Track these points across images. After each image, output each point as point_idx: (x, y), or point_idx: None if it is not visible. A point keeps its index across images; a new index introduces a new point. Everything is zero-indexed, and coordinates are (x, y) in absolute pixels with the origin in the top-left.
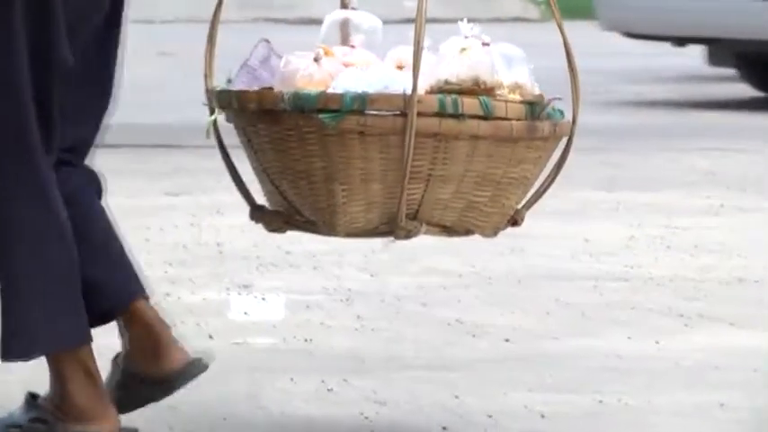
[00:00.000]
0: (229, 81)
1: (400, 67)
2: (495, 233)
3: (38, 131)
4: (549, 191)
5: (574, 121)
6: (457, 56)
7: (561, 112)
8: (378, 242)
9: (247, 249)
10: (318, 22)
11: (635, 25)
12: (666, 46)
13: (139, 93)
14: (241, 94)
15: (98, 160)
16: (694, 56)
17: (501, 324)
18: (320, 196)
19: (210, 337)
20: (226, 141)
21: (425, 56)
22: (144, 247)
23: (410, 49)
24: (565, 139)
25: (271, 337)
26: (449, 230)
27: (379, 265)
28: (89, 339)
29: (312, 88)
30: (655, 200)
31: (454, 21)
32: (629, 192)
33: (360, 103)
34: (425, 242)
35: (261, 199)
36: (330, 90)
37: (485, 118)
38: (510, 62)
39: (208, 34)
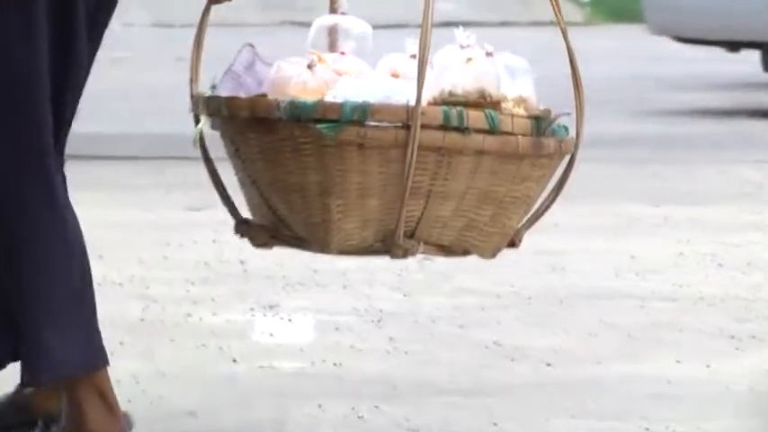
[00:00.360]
0: (214, 87)
1: (395, 76)
2: (493, 255)
3: (51, 134)
4: (589, 204)
5: (578, 137)
6: (462, 66)
7: (566, 129)
8: (411, 260)
9: (273, 267)
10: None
11: (686, 29)
12: (719, 51)
13: (155, 100)
14: (232, 101)
15: (111, 172)
16: (749, 61)
17: (541, 347)
18: (314, 211)
19: (234, 360)
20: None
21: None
22: (163, 265)
23: (403, 57)
24: (567, 157)
25: (298, 360)
26: (446, 250)
27: (413, 284)
28: (106, 361)
29: (307, 96)
30: (704, 214)
31: (491, 24)
32: (676, 206)
33: (360, 114)
34: (461, 261)
35: (246, 212)
36: (329, 99)
37: (490, 132)
38: (514, 74)
39: (194, 38)
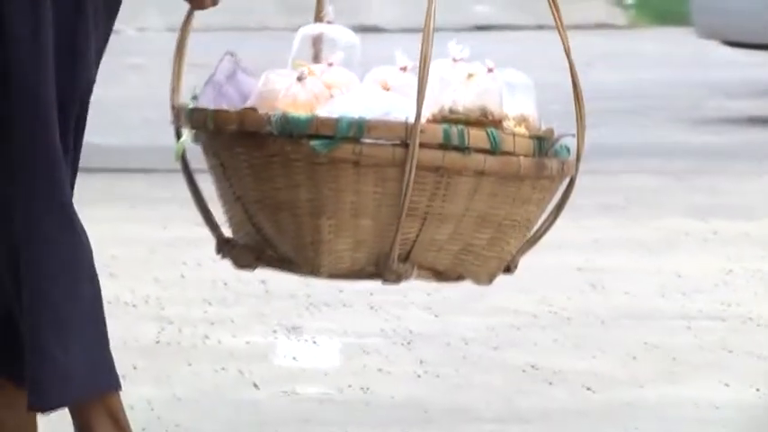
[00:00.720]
0: (195, 98)
1: (386, 89)
2: (490, 280)
3: (60, 147)
4: (633, 218)
5: (578, 159)
6: (463, 82)
7: (568, 149)
8: None
9: (296, 287)
10: (377, 30)
11: (735, 32)
12: None
13: (168, 110)
14: (219, 114)
15: (123, 185)
16: None
17: (581, 370)
18: (304, 231)
19: (255, 385)
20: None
21: (411, 79)
22: (179, 284)
23: (393, 70)
24: (567, 179)
25: (323, 385)
26: (441, 276)
27: (444, 303)
28: (118, 385)
29: (297, 111)
30: (755, 229)
31: (527, 28)
32: (725, 220)
33: (356, 130)
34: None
35: (227, 232)
36: (323, 113)
37: (491, 152)
38: (515, 91)
39: (176, 45)
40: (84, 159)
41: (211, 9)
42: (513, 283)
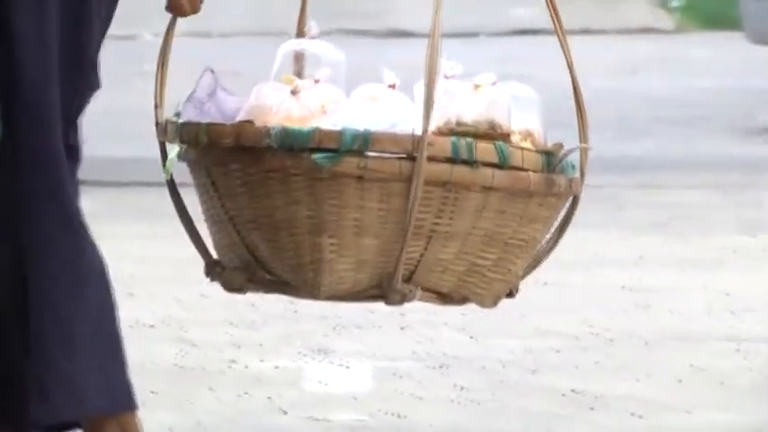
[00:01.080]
0: (178, 114)
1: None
2: (494, 303)
3: (64, 150)
4: (679, 234)
5: (582, 176)
6: (470, 94)
7: (573, 166)
8: None
9: (325, 307)
10: (408, 34)
11: None
12: None
13: None
14: (214, 128)
15: (142, 200)
16: None
17: (624, 394)
18: (303, 250)
19: (283, 411)
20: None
21: (400, 97)
22: (201, 304)
23: (381, 87)
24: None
25: (353, 410)
26: (444, 298)
27: (480, 324)
28: (135, 405)
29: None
30: None
31: (570, 32)
32: None
33: (361, 143)
34: (534, 298)
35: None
36: (326, 126)
37: (500, 167)
38: (519, 105)
39: (158, 57)
40: (101, 173)
41: (233, 13)
42: (552, 302)
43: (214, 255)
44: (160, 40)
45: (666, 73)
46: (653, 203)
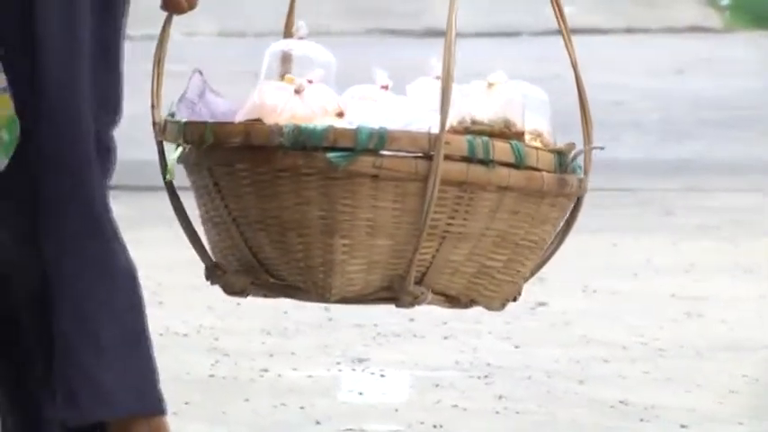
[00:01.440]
0: (172, 115)
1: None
2: (502, 306)
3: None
4: (731, 240)
5: (585, 174)
6: (484, 92)
7: (579, 167)
8: (522, 305)
9: (362, 315)
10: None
11: None
12: None
13: None
14: (221, 127)
15: (161, 204)
16: None
17: (675, 406)
18: (313, 252)
19: (318, 422)
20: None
21: (393, 98)
22: (235, 312)
23: (374, 88)
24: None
25: (392, 422)
26: (452, 301)
27: (524, 333)
28: (165, 410)
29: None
30: None
31: (615, 31)
32: None
33: (377, 142)
34: (580, 306)
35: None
36: (340, 124)
37: (515, 166)
38: (529, 106)
39: (154, 56)
40: (130, 177)
41: (265, 13)
42: (600, 310)
43: (215, 259)
44: (191, 41)
45: (714, 73)
46: (702, 208)
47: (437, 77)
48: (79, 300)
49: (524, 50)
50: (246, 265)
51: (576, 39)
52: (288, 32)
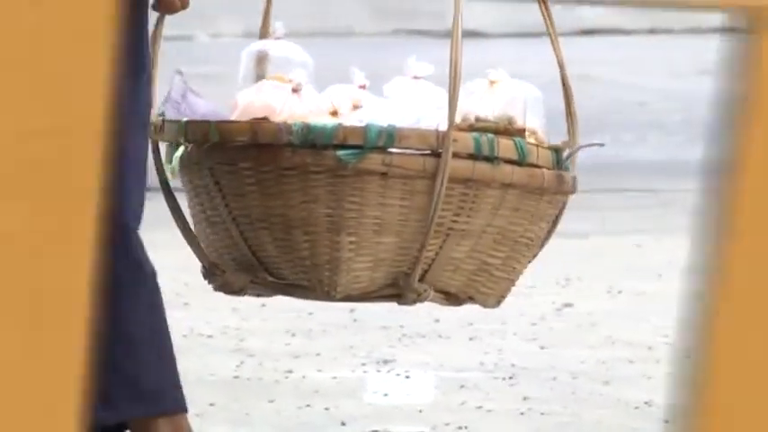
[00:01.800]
0: (162, 114)
1: (356, 107)
2: (498, 303)
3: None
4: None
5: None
6: (488, 90)
7: (569, 165)
8: (547, 306)
9: (387, 316)
10: (475, 35)
11: None
12: None
13: None
14: (226, 125)
15: (183, 206)
16: None
17: None
18: (319, 249)
19: (343, 423)
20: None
21: (372, 97)
22: (259, 313)
23: (352, 88)
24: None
25: (417, 423)
26: (450, 298)
27: (550, 334)
28: (186, 407)
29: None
30: None
31: (639, 32)
32: None
33: (387, 139)
34: (605, 307)
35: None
36: (349, 122)
37: (518, 163)
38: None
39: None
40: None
41: (290, 13)
42: (626, 311)
43: (212, 259)
44: (217, 42)
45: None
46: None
47: (414, 77)
48: (112, 300)
49: (548, 51)
50: (245, 264)
51: (599, 39)
52: (264, 33)
